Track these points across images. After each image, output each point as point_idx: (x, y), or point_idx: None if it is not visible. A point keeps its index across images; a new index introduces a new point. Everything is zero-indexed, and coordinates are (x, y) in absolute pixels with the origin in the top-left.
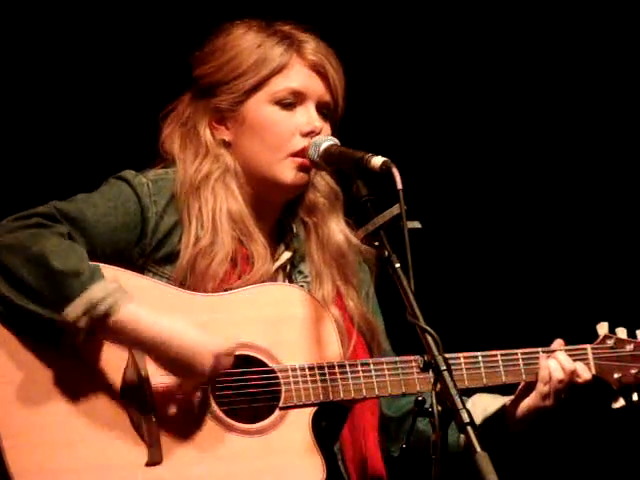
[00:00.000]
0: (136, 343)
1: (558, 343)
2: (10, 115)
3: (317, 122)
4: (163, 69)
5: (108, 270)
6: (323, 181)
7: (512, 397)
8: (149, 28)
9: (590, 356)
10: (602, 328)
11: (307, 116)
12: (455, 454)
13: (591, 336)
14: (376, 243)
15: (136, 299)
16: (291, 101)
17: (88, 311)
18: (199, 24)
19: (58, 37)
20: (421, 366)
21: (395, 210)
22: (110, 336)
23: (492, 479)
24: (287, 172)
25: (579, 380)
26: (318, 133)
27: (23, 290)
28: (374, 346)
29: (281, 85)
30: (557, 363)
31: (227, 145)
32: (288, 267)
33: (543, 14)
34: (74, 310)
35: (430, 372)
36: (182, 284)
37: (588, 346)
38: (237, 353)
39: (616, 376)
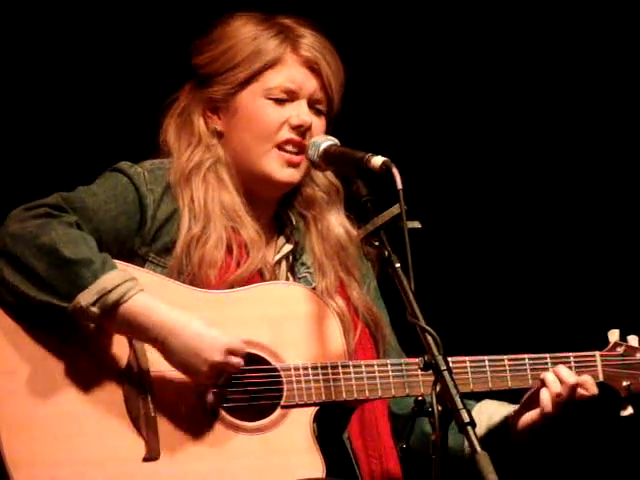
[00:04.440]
0: (144, 332)
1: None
2: (13, 111)
3: (306, 116)
4: (164, 62)
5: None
6: (322, 175)
7: (516, 407)
8: (153, 17)
9: (599, 363)
10: (613, 335)
11: (297, 110)
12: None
13: (602, 343)
14: (376, 243)
15: None
16: (283, 97)
17: (100, 299)
18: (203, 15)
19: (58, 32)
20: (421, 366)
21: (395, 210)
22: (119, 325)
23: (492, 479)
24: (273, 166)
25: (586, 394)
26: (308, 127)
27: (34, 280)
28: (379, 337)
29: (273, 81)
30: (554, 376)
31: (220, 136)
32: (290, 259)
33: (543, 14)
34: (86, 298)
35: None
36: (180, 273)
37: (597, 353)
38: None
39: (625, 384)
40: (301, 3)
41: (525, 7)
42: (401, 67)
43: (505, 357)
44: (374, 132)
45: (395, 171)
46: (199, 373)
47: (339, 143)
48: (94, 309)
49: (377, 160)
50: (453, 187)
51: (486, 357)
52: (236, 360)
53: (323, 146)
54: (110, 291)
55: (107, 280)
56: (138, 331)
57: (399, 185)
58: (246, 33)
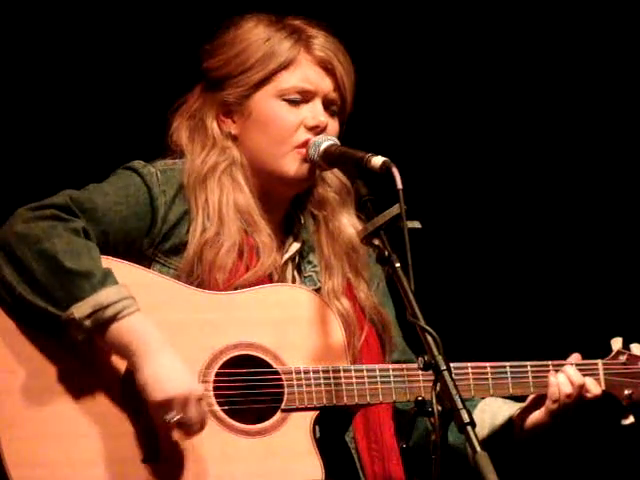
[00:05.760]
0: (125, 348)
1: (575, 357)
2: (26, 109)
3: (322, 117)
4: (173, 62)
5: (119, 267)
6: (334, 176)
7: (522, 405)
8: (162, 20)
9: (601, 371)
10: (616, 343)
11: (313, 111)
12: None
13: (605, 351)
14: (376, 243)
15: (145, 296)
16: (298, 98)
17: (94, 313)
18: (212, 17)
19: (69, 31)
20: (421, 366)
21: (395, 210)
22: (107, 342)
23: (492, 479)
24: (291, 165)
25: (588, 395)
26: (323, 128)
27: (32, 283)
28: (386, 338)
29: (288, 82)
30: (565, 377)
31: (234, 138)
32: (297, 258)
33: (543, 14)
34: (80, 310)
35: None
36: (189, 276)
37: (599, 361)
38: (242, 353)
39: (626, 392)
40: (299, 4)
41: (524, 8)
42: (401, 68)
43: (507, 364)
44: (374, 132)
45: (395, 171)
46: (153, 399)
47: (339, 143)
48: (87, 323)
49: (377, 160)
50: (453, 187)
51: (488, 364)
52: (192, 410)
53: (323, 146)
54: (106, 307)
55: (104, 295)
56: (122, 348)
57: (399, 185)
58: (258, 35)
